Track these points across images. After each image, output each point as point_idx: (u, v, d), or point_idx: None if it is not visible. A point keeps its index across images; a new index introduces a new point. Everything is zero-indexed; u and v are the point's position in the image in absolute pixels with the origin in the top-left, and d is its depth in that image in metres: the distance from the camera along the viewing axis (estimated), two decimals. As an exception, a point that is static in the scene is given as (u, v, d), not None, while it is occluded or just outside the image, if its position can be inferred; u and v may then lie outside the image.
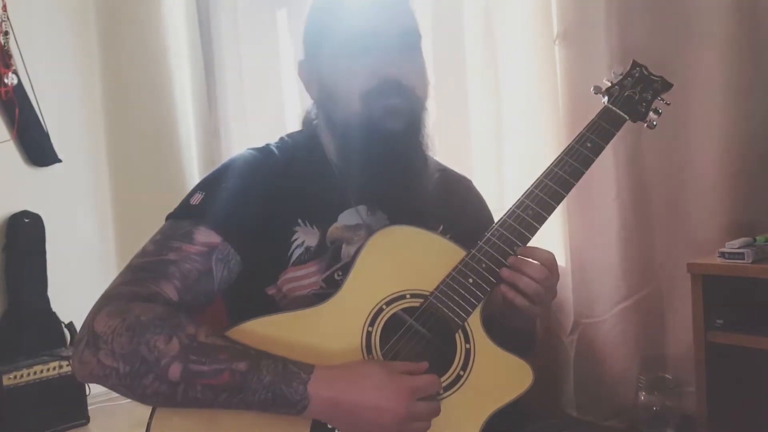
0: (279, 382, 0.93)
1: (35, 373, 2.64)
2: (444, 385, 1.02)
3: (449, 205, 1.23)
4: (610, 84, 1.24)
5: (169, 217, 1.11)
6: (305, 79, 1.21)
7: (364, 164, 1.12)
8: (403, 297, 1.06)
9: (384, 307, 1.04)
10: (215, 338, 0.96)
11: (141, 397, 0.95)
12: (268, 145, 1.20)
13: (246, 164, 1.16)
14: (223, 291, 1.10)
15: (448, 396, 1.02)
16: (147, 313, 0.96)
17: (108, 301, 0.99)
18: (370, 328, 1.03)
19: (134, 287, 1.00)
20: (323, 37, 1.16)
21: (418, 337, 1.04)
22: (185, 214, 1.09)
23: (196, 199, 1.10)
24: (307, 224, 1.12)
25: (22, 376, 2.62)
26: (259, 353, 0.96)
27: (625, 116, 1.19)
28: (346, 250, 1.13)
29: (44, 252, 2.92)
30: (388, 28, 1.11)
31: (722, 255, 1.54)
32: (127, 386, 0.94)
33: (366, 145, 1.11)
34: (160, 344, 0.93)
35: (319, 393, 0.94)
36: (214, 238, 1.06)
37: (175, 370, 0.93)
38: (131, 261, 1.06)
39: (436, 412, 0.98)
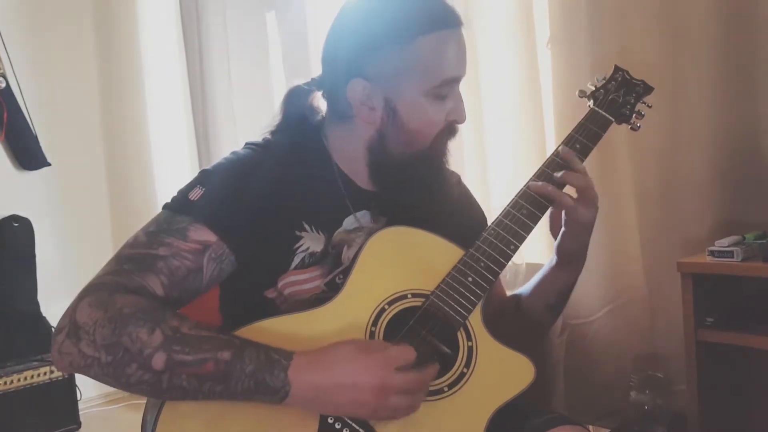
0: (261, 369, 0.94)
1: (26, 378, 2.62)
2: (448, 383, 1.04)
3: (443, 202, 1.23)
4: (594, 88, 1.27)
5: (165, 207, 1.09)
6: (365, 100, 1.11)
7: (405, 190, 1.15)
8: (404, 297, 1.07)
9: (386, 307, 1.06)
10: (199, 329, 0.96)
11: (125, 386, 0.96)
12: (267, 141, 1.18)
13: (250, 162, 1.13)
14: (211, 289, 1.09)
15: (452, 394, 1.03)
16: (130, 305, 0.95)
17: (91, 291, 0.98)
18: (373, 328, 1.04)
19: (119, 278, 1.00)
20: (408, 71, 1.09)
21: (421, 336, 1.05)
22: (183, 209, 1.07)
23: (196, 194, 1.08)
24: (314, 230, 1.12)
25: (12, 381, 2.60)
26: (243, 342, 0.96)
27: (611, 118, 1.23)
28: (346, 254, 1.13)
29: (34, 256, 2.90)
30: (462, 75, 1.15)
31: (712, 253, 1.55)
32: (110, 375, 0.95)
33: (417, 177, 1.14)
34: (142, 336, 0.93)
35: (299, 378, 0.95)
36: (209, 236, 1.05)
37: (158, 360, 0.93)
38: (120, 250, 1.04)
39: (419, 383, 0.98)
